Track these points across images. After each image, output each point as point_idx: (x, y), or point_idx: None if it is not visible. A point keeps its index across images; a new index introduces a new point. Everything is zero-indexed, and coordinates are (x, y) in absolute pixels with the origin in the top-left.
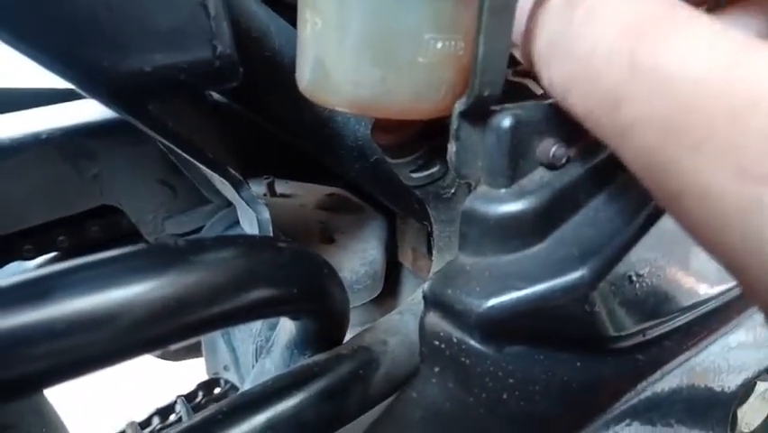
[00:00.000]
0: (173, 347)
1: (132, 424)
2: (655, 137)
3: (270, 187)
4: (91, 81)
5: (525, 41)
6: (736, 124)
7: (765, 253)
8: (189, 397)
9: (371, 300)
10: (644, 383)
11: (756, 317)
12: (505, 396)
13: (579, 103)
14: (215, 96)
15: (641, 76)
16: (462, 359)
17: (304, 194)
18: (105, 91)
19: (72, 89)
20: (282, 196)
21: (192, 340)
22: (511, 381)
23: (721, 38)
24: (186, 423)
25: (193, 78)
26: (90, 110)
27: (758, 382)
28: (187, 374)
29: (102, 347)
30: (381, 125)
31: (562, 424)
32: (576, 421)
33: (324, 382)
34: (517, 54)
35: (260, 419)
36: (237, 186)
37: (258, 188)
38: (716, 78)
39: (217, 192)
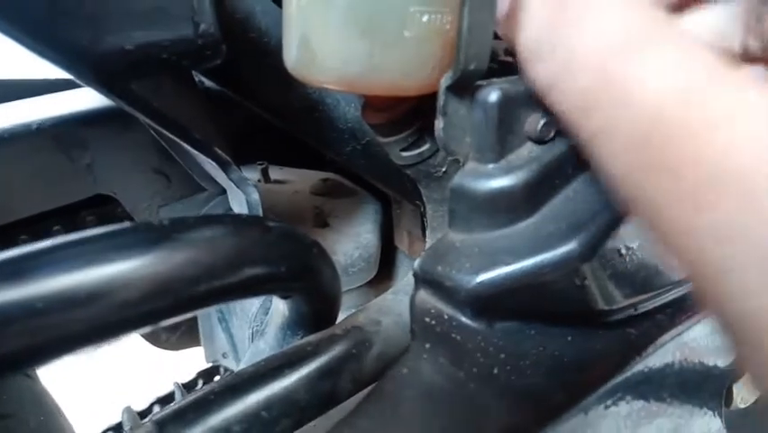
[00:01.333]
0: (162, 325)
1: (128, 409)
2: (617, 149)
3: (264, 173)
4: (72, 60)
5: (509, 26)
6: (690, 150)
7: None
8: (189, 386)
9: (367, 284)
10: (636, 357)
11: None
12: (496, 371)
13: (557, 102)
14: (207, 82)
15: (608, 87)
16: (453, 335)
17: (298, 180)
18: (85, 70)
19: (62, 80)
20: (276, 182)
21: (179, 318)
22: (502, 356)
23: (691, 60)
24: (177, 404)
25: (175, 56)
26: (81, 99)
27: None
28: (187, 364)
29: (85, 325)
30: (371, 104)
31: (554, 398)
32: (568, 395)
33: (317, 362)
34: (499, 31)
35: (252, 399)
36: (225, 167)
37: (252, 174)
38: (674, 101)
39: (211, 180)
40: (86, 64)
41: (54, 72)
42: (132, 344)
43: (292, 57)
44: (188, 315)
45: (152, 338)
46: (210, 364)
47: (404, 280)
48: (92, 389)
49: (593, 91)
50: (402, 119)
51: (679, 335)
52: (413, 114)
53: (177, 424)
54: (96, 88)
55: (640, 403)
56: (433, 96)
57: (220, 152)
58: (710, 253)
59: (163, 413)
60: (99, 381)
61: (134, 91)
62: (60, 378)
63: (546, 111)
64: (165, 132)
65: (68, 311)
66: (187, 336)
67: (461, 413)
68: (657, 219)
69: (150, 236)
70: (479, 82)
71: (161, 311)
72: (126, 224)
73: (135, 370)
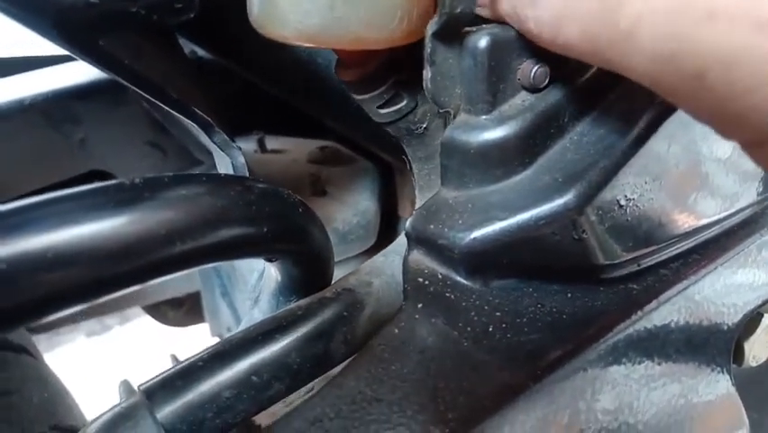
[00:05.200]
0: (137, 287)
1: (124, 383)
2: (664, 21)
3: (261, 143)
4: (35, 15)
5: None
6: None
7: None
8: None
9: (368, 252)
10: (639, 313)
11: (758, 247)
12: (491, 329)
13: (575, 30)
14: (200, 52)
15: None
16: (447, 295)
17: (295, 149)
18: (48, 25)
19: (53, 56)
20: (273, 152)
21: (158, 281)
22: (498, 314)
23: None
24: (166, 372)
25: (144, 9)
26: (73, 73)
27: (765, 315)
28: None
29: (53, 288)
30: (343, 60)
31: (552, 355)
32: (568, 351)
33: (308, 325)
34: (483, 13)
35: (242, 364)
36: (207, 129)
37: (249, 144)
38: None
39: (208, 151)
40: (49, 18)
41: (46, 49)
42: (146, 325)
43: (254, 10)
44: (163, 277)
45: (158, 315)
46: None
47: (395, 241)
48: (95, 369)
49: None
50: (375, 75)
51: (684, 289)
52: (386, 69)
53: (166, 391)
54: (61, 45)
55: (645, 359)
56: (406, 50)
57: (200, 112)
58: None
59: (152, 381)
60: (104, 360)
61: (103, 48)
62: (66, 358)
63: (540, 56)
64: (140, 91)
65: (35, 273)
66: (192, 312)
67: (454, 371)
68: (727, 72)
69: (122, 196)
70: (467, 28)
71: (135, 273)
72: (97, 183)
73: (151, 353)
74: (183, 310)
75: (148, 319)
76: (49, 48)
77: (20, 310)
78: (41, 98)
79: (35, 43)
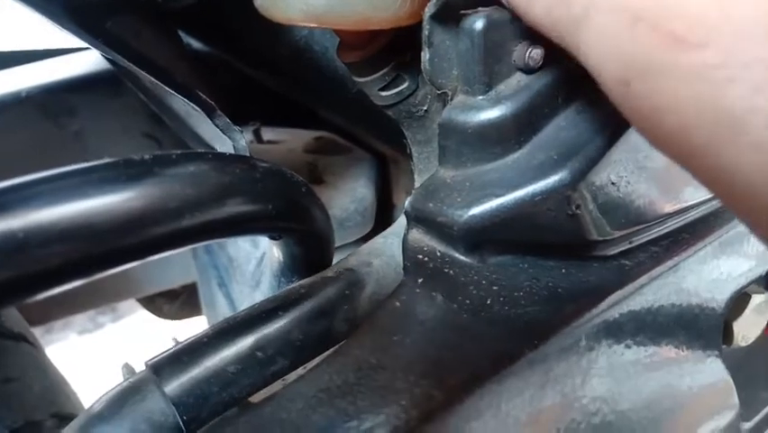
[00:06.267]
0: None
1: (126, 366)
2: (604, 20)
3: (257, 134)
4: (46, 1)
5: None
6: None
7: (716, 119)
8: None
9: (364, 238)
10: (631, 287)
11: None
12: (489, 302)
13: (541, 8)
14: (195, 44)
15: None
16: (447, 270)
17: (291, 139)
18: (58, 9)
19: (49, 50)
20: (269, 142)
21: (164, 255)
22: (495, 288)
23: None
24: (172, 349)
25: None
26: (68, 66)
27: (753, 296)
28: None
29: (65, 259)
30: (345, 42)
31: (549, 326)
32: (563, 323)
33: (310, 304)
34: None
35: (246, 340)
36: (210, 112)
37: (245, 135)
38: None
39: (203, 143)
40: (58, 3)
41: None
42: (138, 322)
43: None
44: (171, 251)
45: (153, 308)
46: None
47: (394, 223)
48: (94, 362)
49: None
50: (377, 56)
51: (675, 266)
52: (388, 51)
53: (172, 366)
54: (70, 29)
55: (637, 334)
56: (408, 32)
57: (203, 96)
58: None
59: (159, 357)
60: (103, 359)
61: (111, 31)
62: (64, 352)
63: (535, 38)
64: (144, 74)
65: (48, 244)
66: (187, 304)
67: (454, 341)
68: (647, 85)
69: (132, 171)
70: (463, 11)
71: (143, 247)
72: (106, 159)
73: (143, 350)
74: (178, 303)
75: (140, 316)
76: (45, 42)
77: (34, 280)
78: (38, 91)
79: (34, 36)
